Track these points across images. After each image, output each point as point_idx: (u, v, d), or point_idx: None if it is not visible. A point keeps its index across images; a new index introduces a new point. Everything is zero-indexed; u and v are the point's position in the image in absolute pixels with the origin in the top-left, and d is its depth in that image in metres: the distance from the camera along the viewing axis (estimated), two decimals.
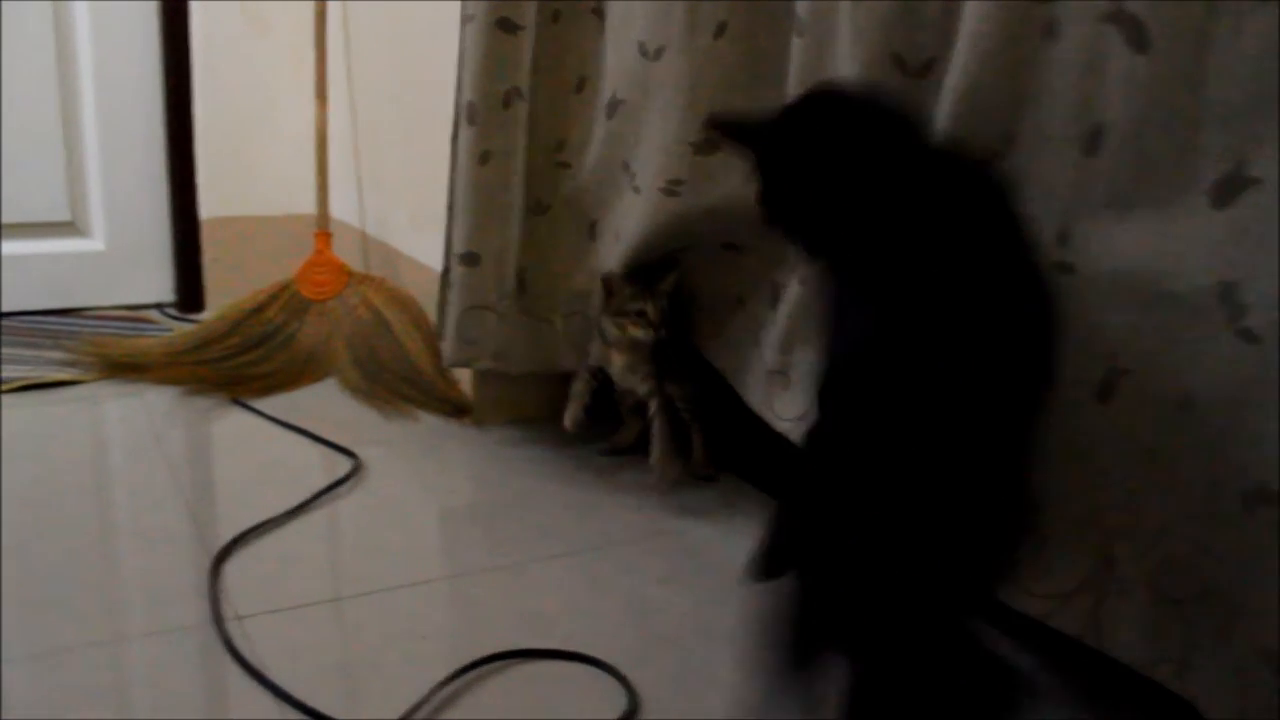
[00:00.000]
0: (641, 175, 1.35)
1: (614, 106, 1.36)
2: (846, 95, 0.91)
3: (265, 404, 1.69)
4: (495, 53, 1.39)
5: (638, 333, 1.37)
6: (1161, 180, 0.83)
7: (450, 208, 1.48)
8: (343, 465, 1.49)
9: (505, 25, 1.38)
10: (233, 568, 1.20)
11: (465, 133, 1.42)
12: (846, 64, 1.05)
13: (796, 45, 1.13)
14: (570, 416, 1.46)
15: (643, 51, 1.30)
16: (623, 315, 1.38)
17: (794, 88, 1.14)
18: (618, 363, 1.43)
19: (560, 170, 1.48)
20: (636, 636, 1.11)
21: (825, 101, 0.89)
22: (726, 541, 1.33)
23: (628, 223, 1.38)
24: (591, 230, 1.48)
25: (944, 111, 0.96)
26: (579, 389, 1.47)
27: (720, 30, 1.22)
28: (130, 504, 1.37)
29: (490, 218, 1.45)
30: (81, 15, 2.04)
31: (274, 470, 1.48)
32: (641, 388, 1.43)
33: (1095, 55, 0.86)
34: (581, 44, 1.42)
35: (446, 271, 1.50)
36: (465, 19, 1.42)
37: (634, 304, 1.37)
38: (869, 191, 0.79)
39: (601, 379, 1.47)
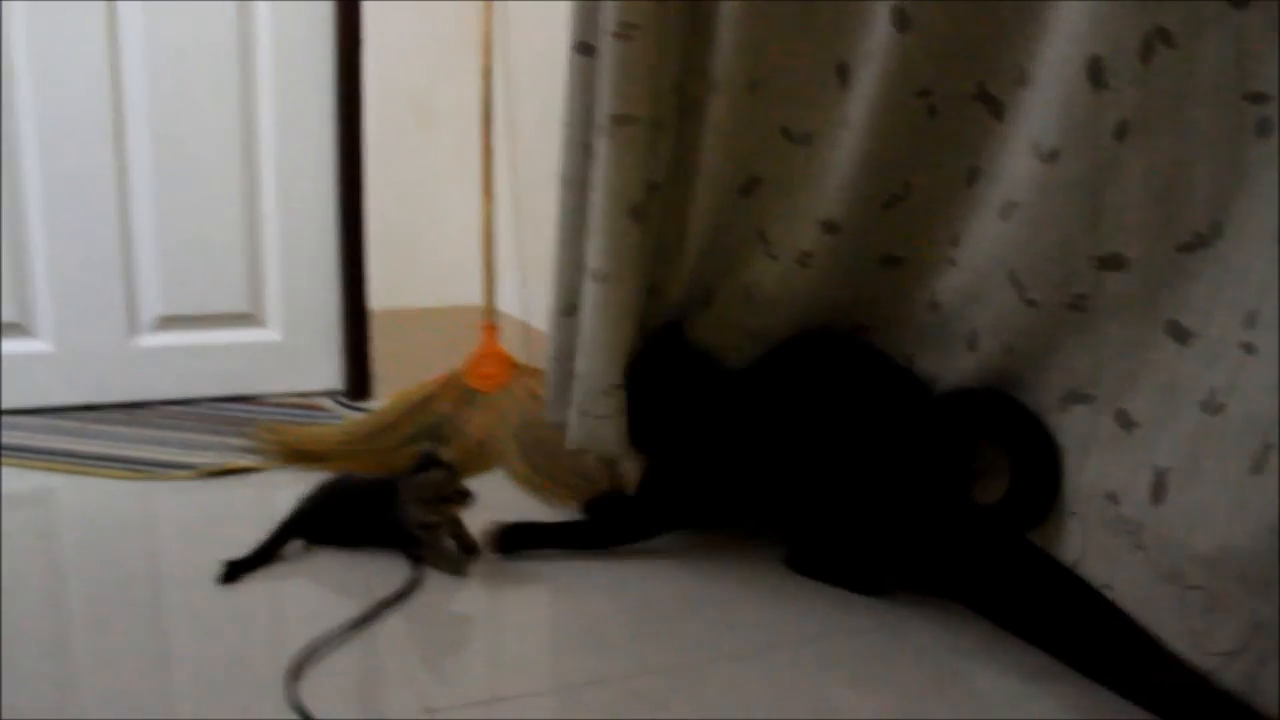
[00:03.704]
0: (778, 245, 1.44)
1: (751, 185, 1.43)
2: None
3: None
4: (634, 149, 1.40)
5: (457, 511, 1.45)
6: None
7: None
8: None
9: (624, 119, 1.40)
10: (410, 659, 1.20)
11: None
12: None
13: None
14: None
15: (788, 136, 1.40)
16: (444, 501, 1.43)
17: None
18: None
19: (679, 258, 1.51)
20: None
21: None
22: (903, 644, 1.28)
23: (764, 281, 1.45)
24: (707, 297, 1.51)
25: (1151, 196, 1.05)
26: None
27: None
28: (306, 593, 1.40)
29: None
30: (267, 118, 2.16)
31: None
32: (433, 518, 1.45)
33: None
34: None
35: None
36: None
37: (453, 486, 1.43)
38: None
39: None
